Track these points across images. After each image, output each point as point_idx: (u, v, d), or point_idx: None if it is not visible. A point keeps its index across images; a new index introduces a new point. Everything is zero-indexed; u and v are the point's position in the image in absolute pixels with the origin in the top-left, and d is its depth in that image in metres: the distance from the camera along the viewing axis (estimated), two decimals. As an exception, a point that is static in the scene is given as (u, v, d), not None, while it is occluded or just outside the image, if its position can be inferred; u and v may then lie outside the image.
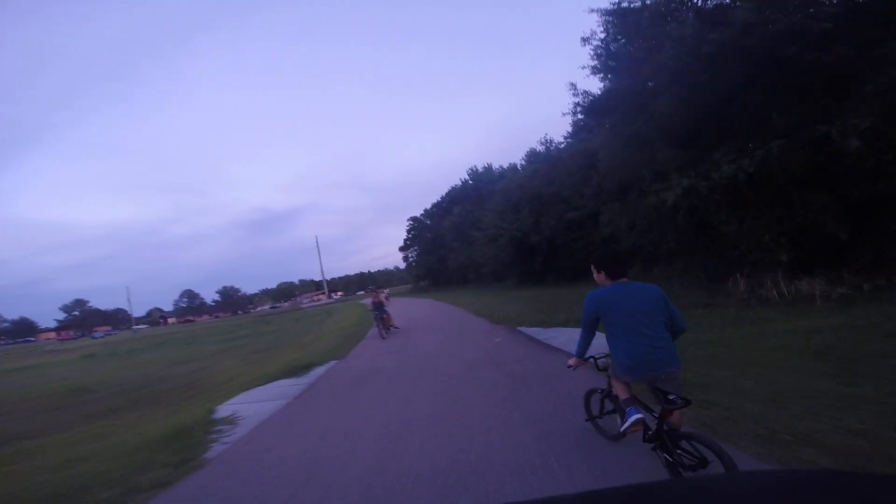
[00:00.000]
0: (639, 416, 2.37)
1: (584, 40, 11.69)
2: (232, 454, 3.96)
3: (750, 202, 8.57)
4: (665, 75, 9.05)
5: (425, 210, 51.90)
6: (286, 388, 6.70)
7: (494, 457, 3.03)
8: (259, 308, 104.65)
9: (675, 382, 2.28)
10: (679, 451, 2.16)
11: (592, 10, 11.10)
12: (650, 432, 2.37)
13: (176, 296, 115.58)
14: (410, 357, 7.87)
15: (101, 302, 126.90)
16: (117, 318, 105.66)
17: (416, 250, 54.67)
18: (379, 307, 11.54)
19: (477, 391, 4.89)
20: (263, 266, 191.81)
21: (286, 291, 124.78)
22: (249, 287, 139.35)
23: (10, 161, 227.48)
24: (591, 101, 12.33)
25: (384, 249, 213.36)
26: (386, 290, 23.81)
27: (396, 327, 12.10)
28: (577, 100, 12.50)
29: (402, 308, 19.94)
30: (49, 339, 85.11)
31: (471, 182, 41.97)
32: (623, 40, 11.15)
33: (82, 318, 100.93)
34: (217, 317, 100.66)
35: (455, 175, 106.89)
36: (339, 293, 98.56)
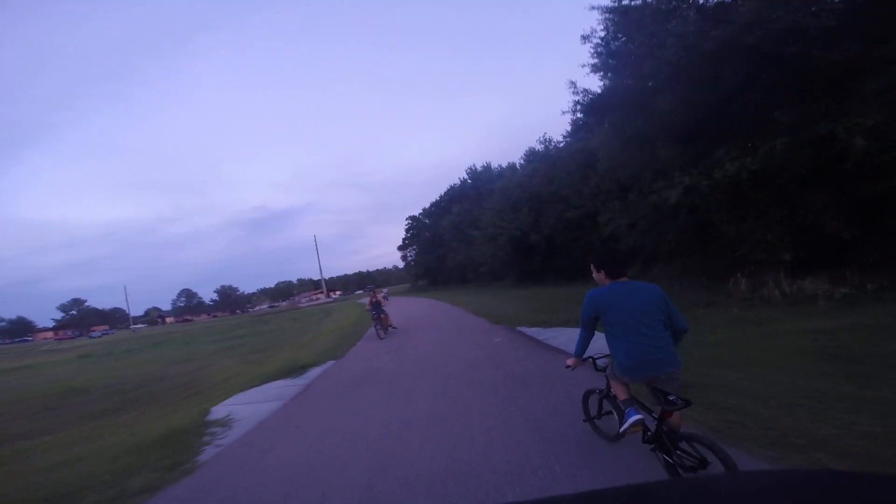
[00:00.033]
0: (638, 416, 2.37)
1: (584, 38, 11.60)
2: (225, 457, 3.87)
3: (752, 201, 8.50)
4: (666, 73, 8.96)
5: (424, 209, 51.87)
6: (282, 388, 6.61)
7: (494, 457, 3.02)
8: (257, 307, 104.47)
9: (675, 383, 2.27)
10: (679, 452, 2.15)
11: (593, 8, 11.01)
12: (649, 433, 2.36)
13: (174, 295, 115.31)
14: (410, 357, 7.79)
15: (99, 301, 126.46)
16: (115, 318, 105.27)
17: (414, 249, 54.58)
18: (376, 307, 11.47)
19: (477, 392, 4.83)
20: (262, 265, 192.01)
21: (284, 291, 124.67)
22: (248, 286, 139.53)
23: (9, 161, 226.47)
24: (591, 99, 12.25)
25: (383, 249, 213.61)
26: (385, 290, 23.69)
27: (394, 327, 12.03)
28: (576, 98, 12.42)
29: (400, 307, 19.88)
30: (46, 338, 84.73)
31: (470, 181, 41.88)
32: (624, 38, 11.07)
33: (80, 318, 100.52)
34: (215, 316, 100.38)
35: (454, 174, 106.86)
36: (338, 292, 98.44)
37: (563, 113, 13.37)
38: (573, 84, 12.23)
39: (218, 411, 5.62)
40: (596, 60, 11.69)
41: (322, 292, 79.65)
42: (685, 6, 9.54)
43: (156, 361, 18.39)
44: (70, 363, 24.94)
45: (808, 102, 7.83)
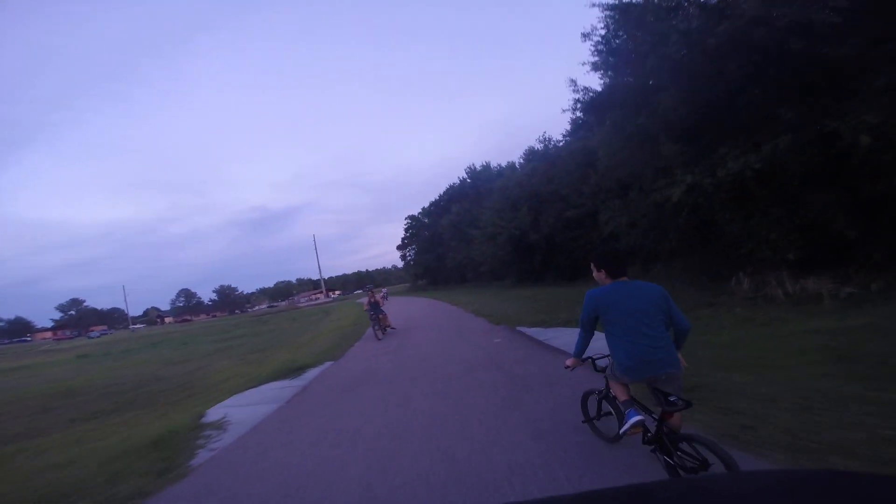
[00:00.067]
0: (639, 417, 2.36)
1: (585, 36, 11.50)
2: (219, 461, 3.77)
3: (756, 199, 8.41)
4: (668, 70, 8.88)
5: (423, 209, 51.73)
6: (280, 390, 6.51)
7: (494, 458, 3.00)
8: (256, 307, 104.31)
9: (676, 383, 2.26)
10: (679, 453, 2.13)
11: (594, 5, 10.91)
12: (649, 434, 2.35)
13: (173, 295, 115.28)
14: (409, 358, 7.70)
15: (98, 301, 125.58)
16: (114, 318, 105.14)
17: (414, 249, 54.46)
18: (375, 307, 11.38)
19: (477, 393, 4.76)
20: (261, 265, 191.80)
21: (283, 290, 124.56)
22: (247, 286, 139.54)
23: (9, 161, 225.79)
24: (591, 97, 12.16)
25: (382, 248, 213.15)
26: (384, 290, 23.62)
27: (393, 328, 11.94)
28: (577, 96, 12.32)
29: (399, 307, 19.81)
30: (45, 338, 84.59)
31: (469, 181, 41.79)
32: (625, 35, 10.97)
33: (79, 318, 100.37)
34: (214, 316, 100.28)
35: (454, 174, 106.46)
36: (337, 292, 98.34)
37: (563, 111, 13.28)
38: (573, 82, 12.14)
39: (214, 413, 5.52)
40: (596, 58, 11.58)
41: (321, 292, 79.52)
42: (687, 3, 9.45)
43: (154, 362, 18.28)
44: (68, 363, 24.82)
45: (812, 100, 7.74)
